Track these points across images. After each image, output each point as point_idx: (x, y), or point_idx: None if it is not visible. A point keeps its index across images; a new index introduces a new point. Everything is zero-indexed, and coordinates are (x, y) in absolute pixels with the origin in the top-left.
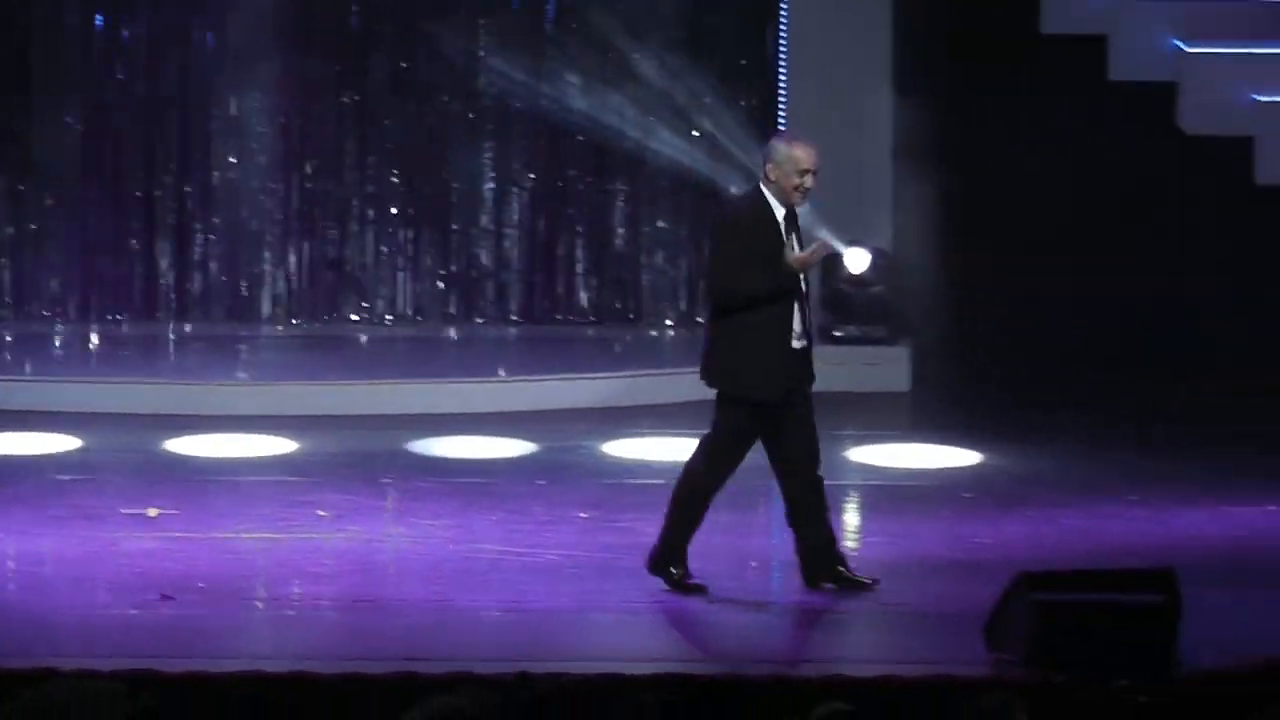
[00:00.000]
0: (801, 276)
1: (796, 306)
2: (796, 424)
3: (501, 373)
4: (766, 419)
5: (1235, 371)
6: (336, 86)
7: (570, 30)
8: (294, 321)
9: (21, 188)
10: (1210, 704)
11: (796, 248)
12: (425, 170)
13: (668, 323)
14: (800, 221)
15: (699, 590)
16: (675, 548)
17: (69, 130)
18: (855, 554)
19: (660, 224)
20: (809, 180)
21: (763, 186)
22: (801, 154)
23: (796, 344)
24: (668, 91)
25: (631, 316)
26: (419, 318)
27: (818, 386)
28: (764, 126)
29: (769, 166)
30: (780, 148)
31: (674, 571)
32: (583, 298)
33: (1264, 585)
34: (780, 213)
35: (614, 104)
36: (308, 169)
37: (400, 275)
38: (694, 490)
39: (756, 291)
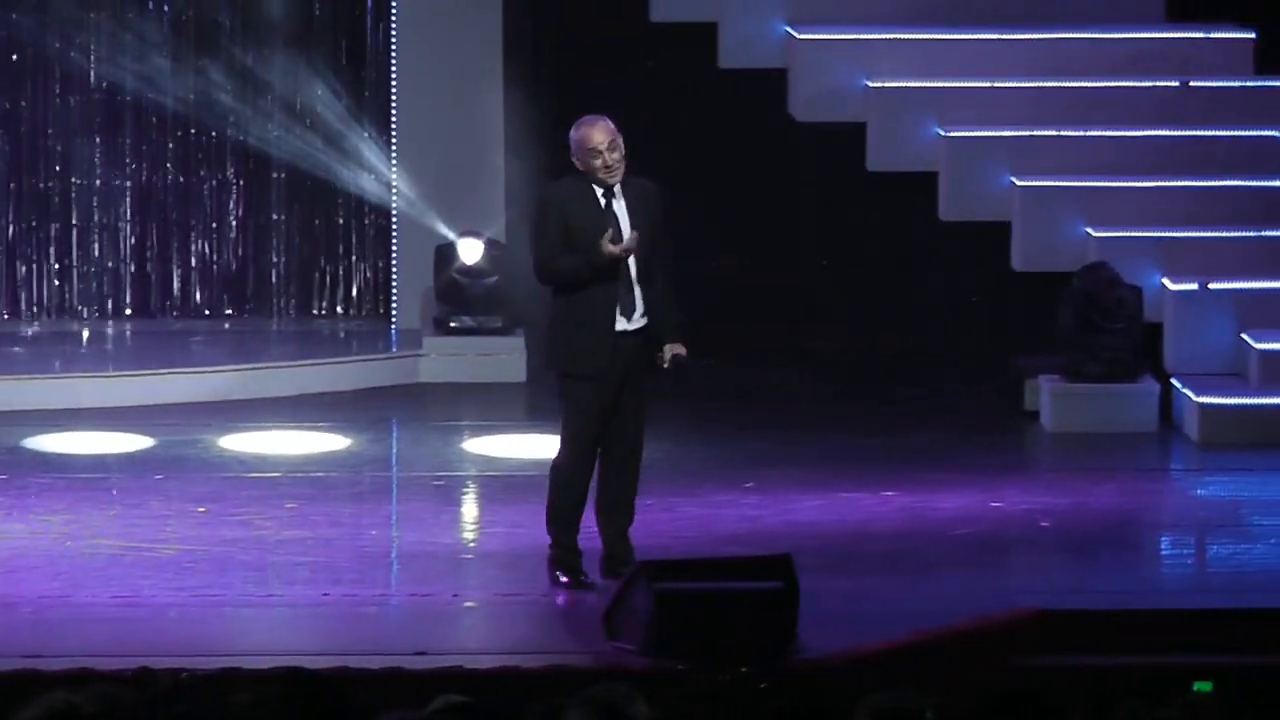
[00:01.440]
0: (630, 260)
1: (623, 287)
2: (624, 413)
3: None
4: (603, 397)
5: (838, 355)
6: None
7: (182, 21)
8: None
9: None
10: (829, 688)
11: (624, 226)
12: (37, 164)
13: (278, 316)
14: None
15: (592, 587)
16: (569, 549)
17: None
18: (474, 546)
19: (275, 217)
20: (611, 157)
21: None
22: (590, 134)
23: (621, 324)
24: (278, 86)
25: (247, 310)
26: (33, 311)
27: (432, 377)
28: (377, 119)
29: (573, 159)
30: (572, 136)
31: (570, 577)
32: (197, 292)
33: (880, 570)
34: (600, 193)
35: (224, 98)
36: None
37: (19, 270)
38: (563, 486)
39: (570, 271)
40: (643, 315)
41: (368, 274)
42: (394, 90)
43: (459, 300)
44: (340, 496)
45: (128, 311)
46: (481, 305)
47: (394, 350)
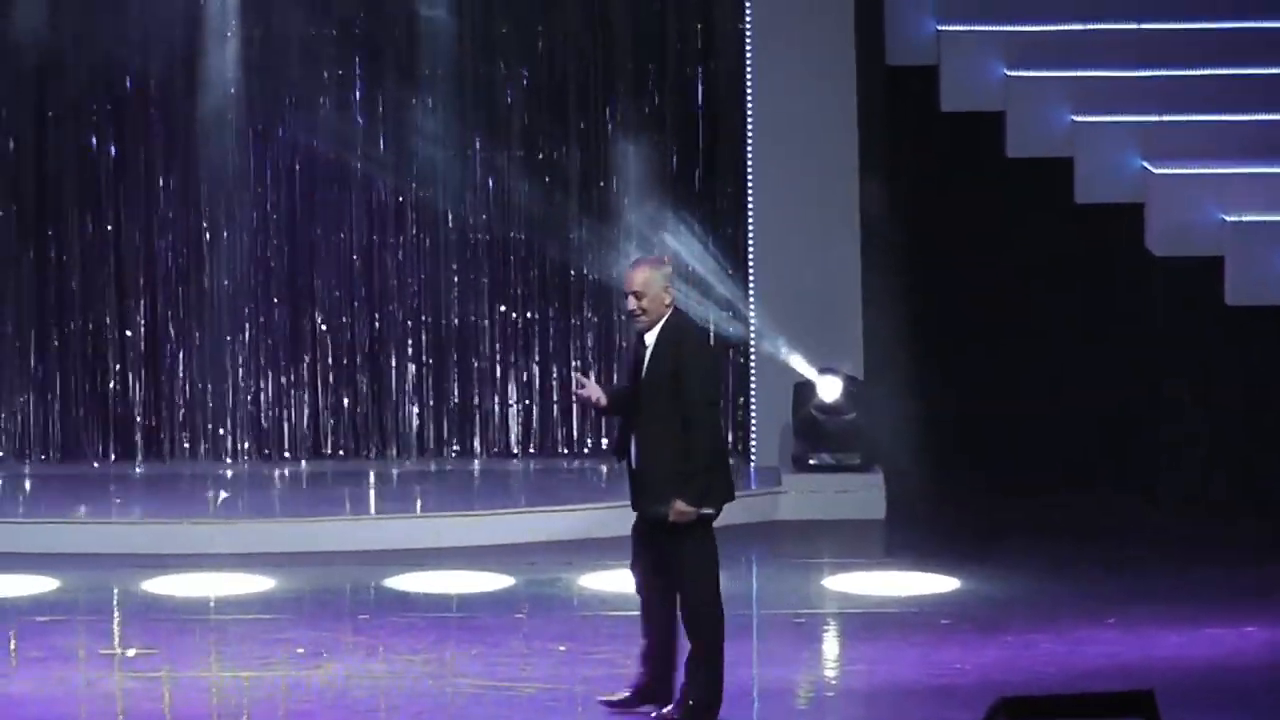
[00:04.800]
0: (636, 402)
1: (626, 428)
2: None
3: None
4: (638, 530)
5: (1199, 485)
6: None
7: (538, 161)
8: (266, 453)
9: None
10: None
11: (644, 368)
12: (417, 303)
13: None
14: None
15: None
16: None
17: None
18: (835, 683)
19: None
20: (628, 303)
21: None
22: (626, 274)
23: (620, 460)
24: (634, 224)
25: (602, 448)
26: (393, 452)
27: (791, 514)
28: (734, 257)
29: None
30: None
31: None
32: (555, 430)
33: (1243, 707)
34: (646, 335)
35: (580, 234)
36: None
37: (378, 411)
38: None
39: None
40: (636, 457)
41: (727, 411)
42: (750, 228)
43: (817, 437)
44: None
45: (477, 450)
46: (839, 442)
47: (753, 487)
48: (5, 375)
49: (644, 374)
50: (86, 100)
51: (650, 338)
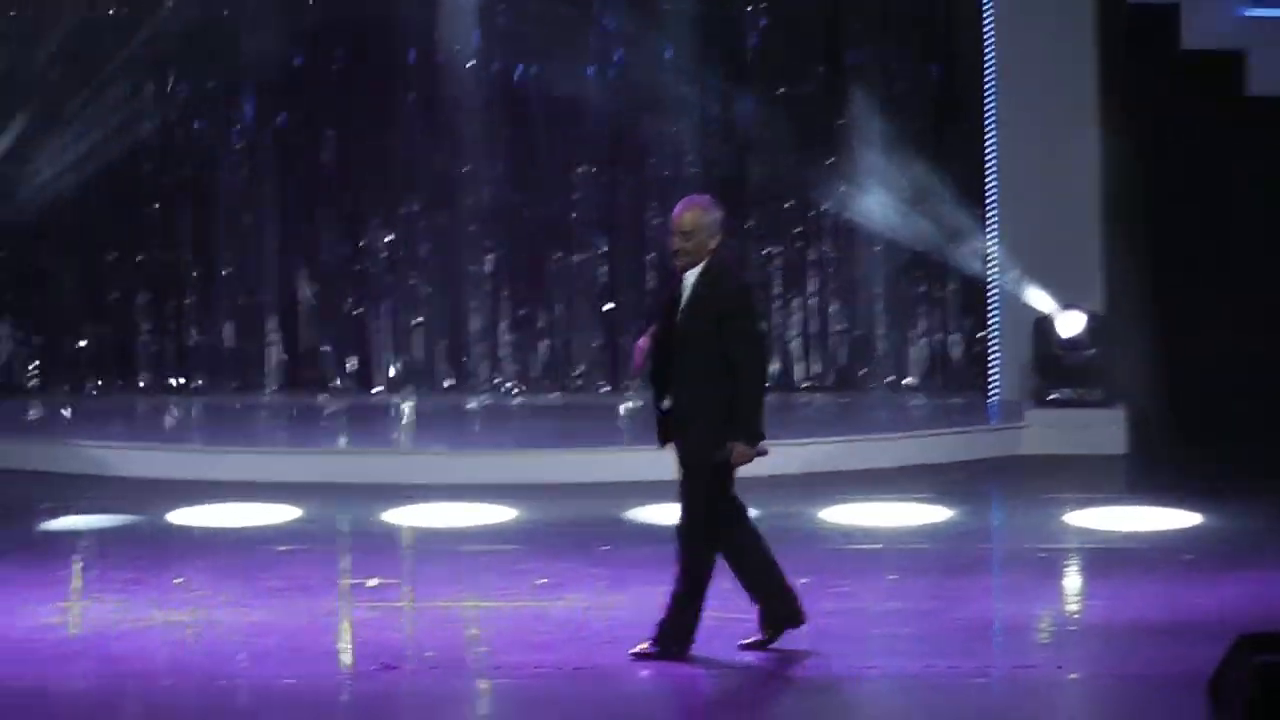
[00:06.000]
0: (676, 346)
1: (660, 369)
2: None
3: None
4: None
5: None
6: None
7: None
8: (509, 388)
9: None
10: None
11: (680, 309)
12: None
13: (876, 388)
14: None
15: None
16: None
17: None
18: (1077, 618)
19: (878, 291)
20: (672, 240)
21: None
22: (674, 213)
23: (657, 404)
24: (877, 159)
25: (847, 382)
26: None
27: (1032, 449)
28: (974, 192)
29: None
30: None
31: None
32: (797, 365)
33: None
34: (687, 275)
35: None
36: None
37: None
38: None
39: None
40: (669, 399)
41: (967, 347)
42: (991, 163)
43: (1058, 373)
44: (941, 569)
45: None
46: (1080, 377)
47: (993, 423)
48: (246, 308)
49: (682, 314)
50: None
51: (690, 277)
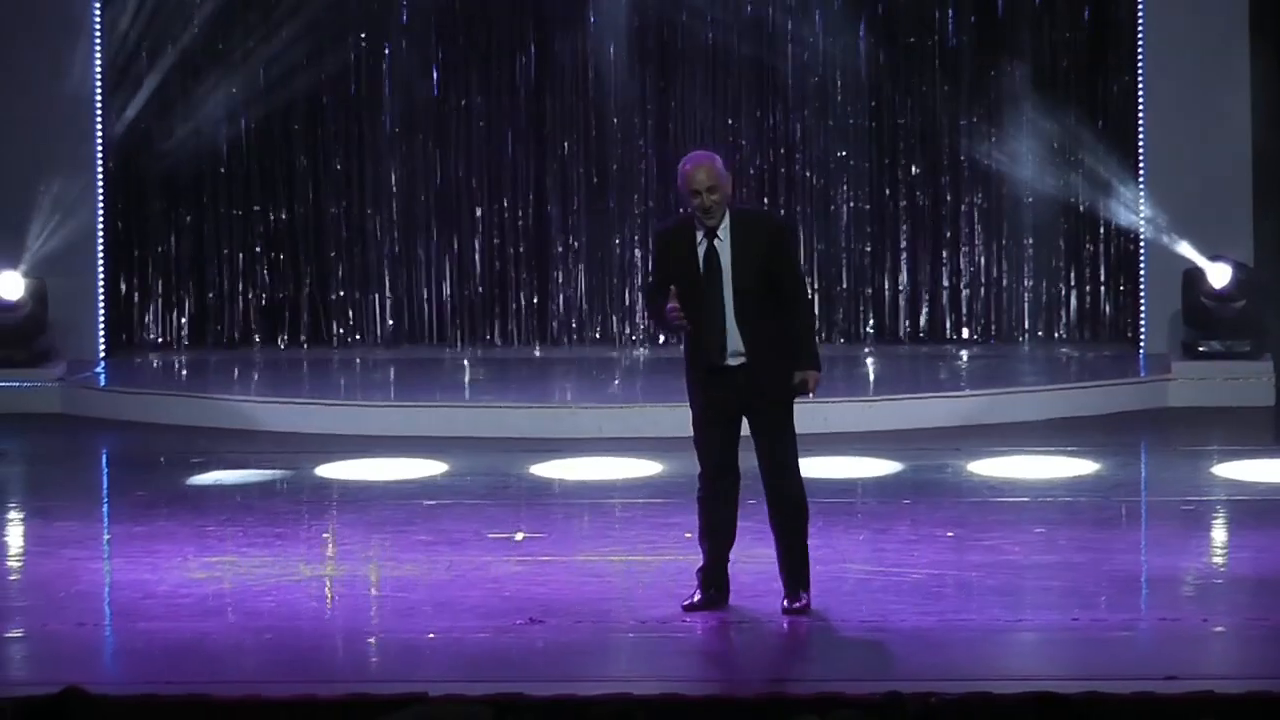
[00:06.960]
0: (728, 300)
1: (714, 328)
2: (758, 450)
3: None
4: (715, 430)
5: None
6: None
7: (926, 48)
8: (642, 349)
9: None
10: None
11: (725, 264)
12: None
13: (1024, 340)
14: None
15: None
16: (705, 568)
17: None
18: (1223, 570)
19: (1023, 240)
20: (709, 199)
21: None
22: (693, 174)
23: (717, 362)
24: (1028, 112)
25: (992, 334)
26: None
27: (1180, 401)
28: (1124, 143)
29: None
30: (679, 171)
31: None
32: (946, 316)
33: None
34: (700, 234)
35: (972, 123)
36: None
37: None
38: (698, 509)
39: (654, 315)
40: (739, 354)
41: (1115, 298)
42: (1141, 114)
43: (1207, 324)
44: (1088, 521)
45: (869, 334)
46: (1229, 329)
47: (1142, 375)
48: (388, 263)
49: (733, 266)
50: None
51: (723, 231)
